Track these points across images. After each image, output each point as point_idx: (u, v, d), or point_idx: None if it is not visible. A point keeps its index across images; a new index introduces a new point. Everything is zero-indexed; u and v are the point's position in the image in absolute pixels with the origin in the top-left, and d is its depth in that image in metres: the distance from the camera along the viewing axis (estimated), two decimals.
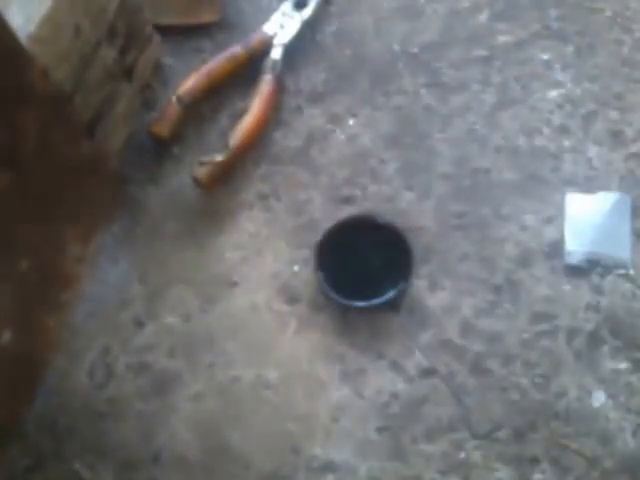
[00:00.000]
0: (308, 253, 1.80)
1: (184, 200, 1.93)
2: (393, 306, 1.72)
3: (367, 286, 1.72)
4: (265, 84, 1.99)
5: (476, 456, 1.59)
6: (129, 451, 1.65)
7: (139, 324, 1.79)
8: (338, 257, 1.75)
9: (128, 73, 1.93)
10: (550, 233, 1.80)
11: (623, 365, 1.65)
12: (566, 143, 1.91)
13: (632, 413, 1.60)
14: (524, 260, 1.77)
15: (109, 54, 1.80)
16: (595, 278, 1.73)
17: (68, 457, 1.65)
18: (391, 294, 1.70)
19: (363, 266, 1.76)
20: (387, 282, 1.71)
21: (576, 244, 1.76)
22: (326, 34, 2.15)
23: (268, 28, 2.07)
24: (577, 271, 1.74)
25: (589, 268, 1.74)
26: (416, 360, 1.69)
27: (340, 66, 2.10)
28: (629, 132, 1.91)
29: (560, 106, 1.97)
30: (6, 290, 1.57)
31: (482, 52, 2.07)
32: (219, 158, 1.86)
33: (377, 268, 1.74)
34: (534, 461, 1.57)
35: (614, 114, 1.93)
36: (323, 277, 1.72)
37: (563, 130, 1.93)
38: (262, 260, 1.83)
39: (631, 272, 1.73)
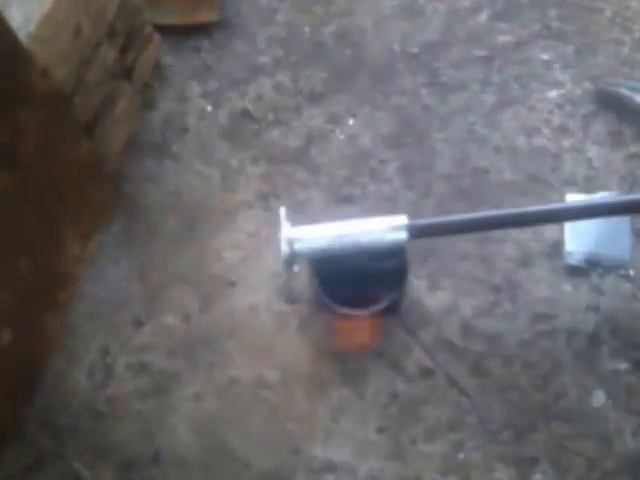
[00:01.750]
0: None
1: (183, 200, 1.93)
2: (391, 312, 1.71)
3: (366, 289, 1.70)
4: None
5: (476, 456, 1.59)
6: (129, 451, 1.65)
7: (138, 324, 1.78)
8: (335, 262, 1.73)
9: (128, 73, 1.93)
10: (550, 233, 1.79)
11: (623, 365, 1.64)
12: (566, 143, 1.91)
13: (632, 414, 1.59)
14: (524, 260, 1.77)
15: (109, 54, 1.80)
16: (595, 278, 1.73)
17: (68, 457, 1.65)
18: (384, 304, 1.68)
19: (361, 270, 1.74)
20: (386, 284, 1.69)
21: (576, 244, 1.76)
22: (326, 34, 2.15)
23: None
24: (577, 271, 1.74)
25: (589, 268, 1.74)
26: (416, 360, 1.69)
27: (340, 66, 2.10)
28: (629, 132, 1.91)
29: (560, 106, 1.97)
30: (6, 289, 1.57)
31: (482, 52, 2.07)
32: None
33: (375, 272, 1.73)
34: (534, 461, 1.57)
35: (614, 114, 1.93)
36: (319, 284, 1.70)
37: (563, 130, 1.94)
38: (262, 260, 1.83)
39: (631, 273, 1.73)
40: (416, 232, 1.54)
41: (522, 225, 1.71)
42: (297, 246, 1.54)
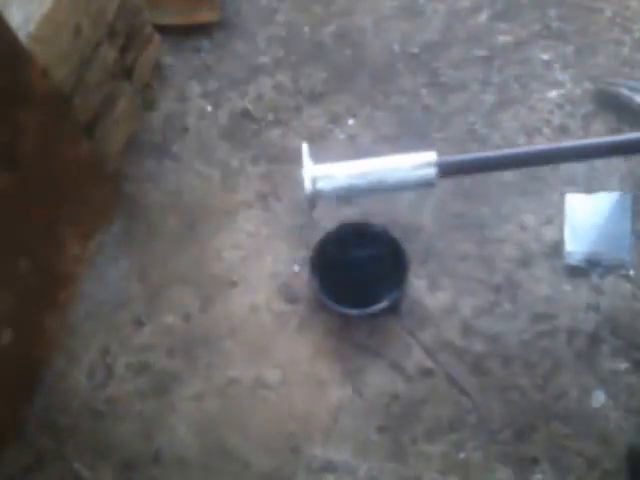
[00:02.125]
0: (308, 253, 1.80)
1: (183, 200, 1.93)
2: (391, 312, 1.71)
3: (366, 289, 1.70)
4: None
5: (476, 456, 1.59)
6: (129, 451, 1.65)
7: (138, 324, 1.78)
8: (335, 263, 1.73)
9: (128, 73, 1.93)
10: (550, 233, 1.79)
11: (623, 365, 1.64)
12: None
13: (632, 414, 1.59)
14: (524, 260, 1.77)
15: (109, 54, 1.80)
16: (595, 278, 1.73)
17: (68, 457, 1.65)
18: (385, 303, 1.68)
19: (361, 270, 1.74)
20: (386, 285, 1.70)
21: (576, 244, 1.76)
22: (326, 34, 2.15)
23: None
24: (577, 271, 1.74)
25: (589, 268, 1.74)
26: (416, 360, 1.69)
27: (340, 66, 2.10)
28: (629, 132, 1.91)
29: (560, 106, 1.97)
30: (6, 289, 1.57)
31: (482, 52, 2.07)
32: None
33: (375, 272, 1.73)
34: (534, 461, 1.57)
35: (614, 114, 1.93)
36: (319, 283, 1.71)
37: (563, 130, 1.93)
38: (262, 260, 1.83)
39: (631, 273, 1.73)
40: (446, 169, 1.42)
41: (548, 162, 1.61)
42: (320, 184, 1.42)
